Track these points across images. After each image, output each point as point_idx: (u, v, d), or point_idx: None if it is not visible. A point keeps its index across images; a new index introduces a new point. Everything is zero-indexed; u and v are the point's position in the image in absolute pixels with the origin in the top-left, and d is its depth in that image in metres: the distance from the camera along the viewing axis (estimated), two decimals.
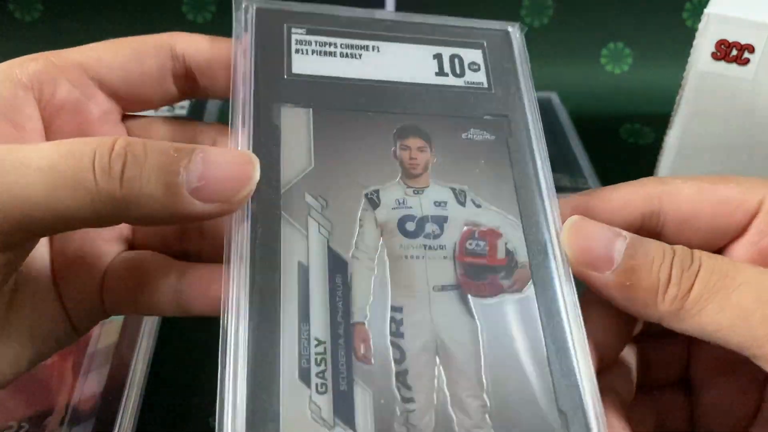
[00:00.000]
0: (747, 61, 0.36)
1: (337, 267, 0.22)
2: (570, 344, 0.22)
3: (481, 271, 0.23)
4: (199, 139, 0.27)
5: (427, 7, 0.56)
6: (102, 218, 0.20)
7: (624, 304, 0.22)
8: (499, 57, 0.28)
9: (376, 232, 0.23)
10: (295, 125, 0.24)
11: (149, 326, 0.35)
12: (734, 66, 0.37)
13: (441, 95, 0.26)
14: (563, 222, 0.24)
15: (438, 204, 0.24)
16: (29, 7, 0.55)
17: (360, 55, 0.26)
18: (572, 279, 0.23)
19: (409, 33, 0.28)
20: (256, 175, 0.21)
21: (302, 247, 0.22)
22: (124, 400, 0.31)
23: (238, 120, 0.23)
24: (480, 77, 0.27)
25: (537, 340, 0.22)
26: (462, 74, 0.27)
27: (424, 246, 0.23)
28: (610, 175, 0.45)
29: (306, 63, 0.26)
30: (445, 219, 0.24)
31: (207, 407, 0.33)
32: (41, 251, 0.24)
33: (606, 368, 0.25)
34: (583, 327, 0.23)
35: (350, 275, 0.22)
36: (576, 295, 0.23)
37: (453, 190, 0.24)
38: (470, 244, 0.24)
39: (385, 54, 0.27)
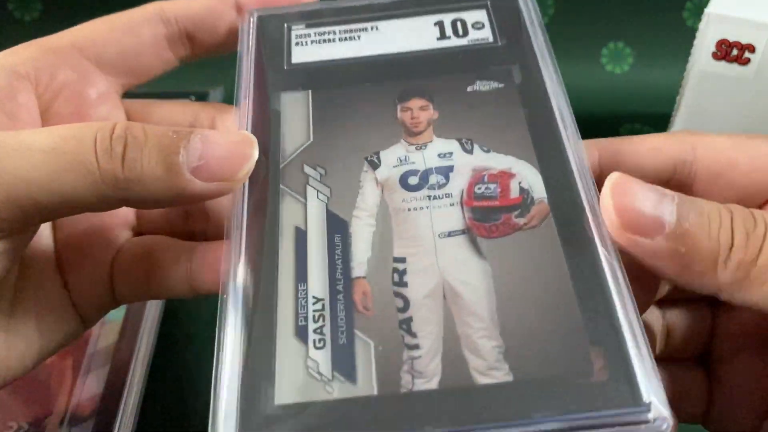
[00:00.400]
0: (747, 61, 0.36)
1: (336, 227, 0.22)
2: (602, 272, 0.20)
3: (493, 213, 0.22)
4: (199, 119, 0.27)
5: None
6: (105, 200, 0.20)
7: (676, 274, 0.20)
8: (505, 12, 0.27)
9: (377, 190, 0.23)
10: (295, 107, 0.25)
11: (149, 326, 0.35)
12: (735, 66, 0.37)
13: (443, 57, 0.26)
14: (590, 161, 0.22)
15: (442, 156, 0.24)
16: (29, 7, 0.55)
17: (359, 36, 0.27)
18: (599, 210, 0.21)
19: (410, 8, 0.28)
20: (255, 153, 0.22)
21: (300, 213, 0.22)
22: (123, 400, 0.31)
23: (240, 110, 0.24)
24: (485, 33, 0.27)
25: (561, 274, 0.20)
26: (465, 34, 0.27)
27: (428, 197, 0.23)
28: None
29: (305, 52, 0.26)
30: (450, 168, 0.23)
31: (207, 407, 0.33)
32: (45, 243, 0.24)
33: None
34: (617, 254, 0.20)
35: (350, 234, 0.22)
36: (605, 226, 0.21)
37: (459, 140, 0.24)
38: (479, 189, 0.23)
39: (385, 31, 0.27)
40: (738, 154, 0.23)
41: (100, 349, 0.33)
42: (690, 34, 0.38)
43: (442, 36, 0.27)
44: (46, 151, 0.19)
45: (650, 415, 0.17)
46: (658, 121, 0.52)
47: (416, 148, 0.24)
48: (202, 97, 0.49)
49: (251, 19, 0.27)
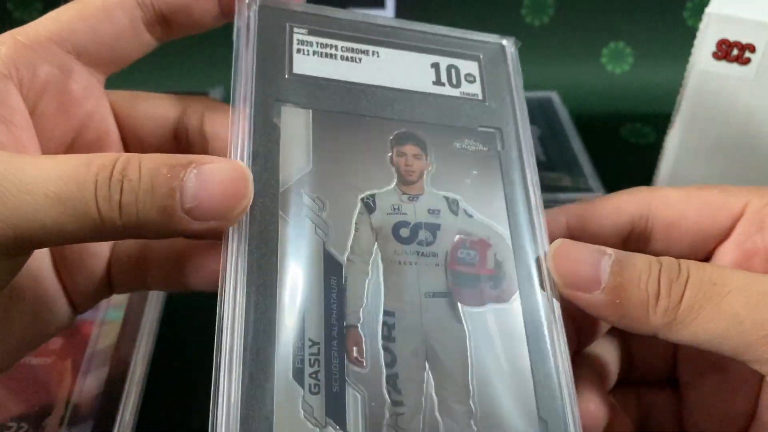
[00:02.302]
0: (748, 61, 0.36)
1: (333, 269, 0.22)
2: (551, 355, 0.23)
3: (471, 280, 0.23)
4: (187, 115, 0.27)
5: (427, 8, 0.56)
6: (104, 238, 0.21)
7: (616, 321, 0.23)
8: (494, 70, 0.28)
9: (372, 235, 0.23)
10: (295, 126, 0.24)
11: (149, 326, 0.35)
12: (735, 66, 0.37)
13: (437, 104, 0.27)
14: (551, 240, 0.24)
15: (431, 212, 0.24)
16: (28, 6, 0.55)
17: (360, 59, 0.27)
18: (557, 292, 0.24)
19: (409, 40, 0.28)
20: (251, 191, 0.21)
21: (299, 247, 0.22)
22: (123, 400, 0.31)
23: (238, 116, 0.23)
24: (475, 89, 0.28)
25: (521, 350, 0.23)
26: (458, 85, 0.27)
27: (417, 252, 0.23)
28: (610, 175, 0.45)
29: (307, 63, 0.26)
30: (438, 227, 0.24)
31: (207, 407, 0.33)
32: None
33: (586, 345, 0.26)
34: (566, 339, 0.23)
35: (345, 278, 0.22)
36: (560, 309, 0.24)
37: (446, 198, 0.25)
38: (461, 253, 0.24)
39: (385, 59, 0.27)
40: (687, 207, 0.25)
41: (99, 349, 0.33)
42: (690, 33, 0.38)
43: (438, 81, 0.27)
44: (50, 197, 0.19)
45: None
46: (659, 120, 0.52)
47: (409, 199, 0.25)
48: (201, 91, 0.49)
49: (252, 8, 0.26)
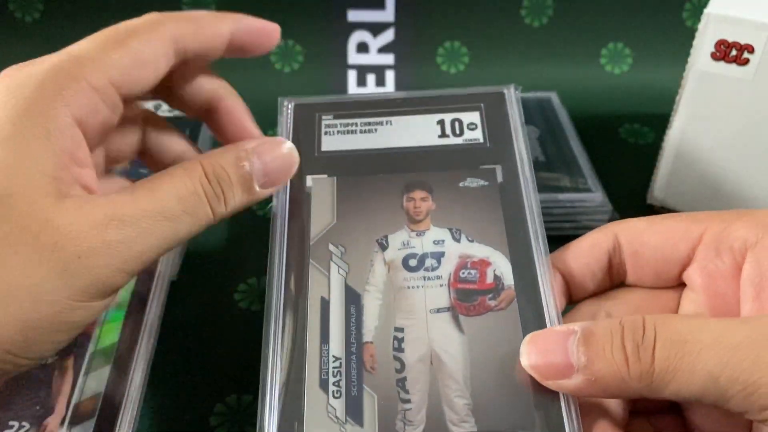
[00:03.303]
0: (746, 61, 0.36)
1: (352, 299, 0.28)
2: None
3: (472, 294, 0.28)
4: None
5: (426, 8, 0.56)
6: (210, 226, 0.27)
7: (606, 396, 0.23)
8: (495, 115, 0.33)
9: (384, 269, 0.29)
10: (323, 190, 0.31)
11: (150, 326, 0.35)
12: (734, 66, 0.37)
13: (443, 153, 0.31)
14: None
15: (437, 242, 0.29)
16: (30, 7, 0.55)
17: (376, 129, 0.33)
18: (554, 298, 0.27)
19: (418, 106, 0.33)
20: (297, 162, 0.29)
21: (324, 285, 0.28)
22: (124, 400, 0.31)
23: (279, 193, 0.30)
24: (477, 134, 0.32)
25: (517, 348, 0.25)
26: (461, 134, 0.32)
27: (424, 278, 0.28)
28: (609, 175, 0.45)
29: (332, 141, 0.32)
30: (442, 254, 0.29)
31: (207, 407, 0.33)
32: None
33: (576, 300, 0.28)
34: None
35: (362, 305, 0.28)
36: (557, 310, 0.26)
37: (450, 230, 0.29)
38: (463, 273, 0.28)
39: (396, 125, 0.33)
40: (650, 236, 0.27)
41: (100, 349, 0.33)
42: (689, 34, 0.38)
43: (443, 134, 0.32)
44: (178, 215, 0.25)
45: None
46: (658, 121, 0.52)
47: (416, 235, 0.29)
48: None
49: (288, 106, 0.33)
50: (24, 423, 0.30)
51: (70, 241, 0.23)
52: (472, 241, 0.29)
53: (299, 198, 0.30)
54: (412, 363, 0.26)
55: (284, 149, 0.29)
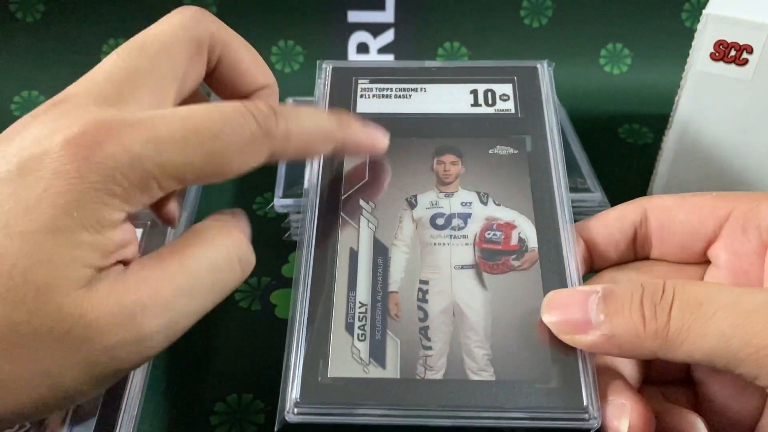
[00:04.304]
0: (745, 62, 0.36)
1: (380, 251, 0.29)
2: None
3: (496, 254, 0.29)
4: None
5: (426, 9, 0.56)
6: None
7: (618, 353, 0.23)
8: (527, 88, 0.34)
9: (412, 226, 0.30)
10: None
11: None
12: (733, 66, 0.37)
13: (474, 121, 0.33)
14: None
15: (464, 204, 0.30)
16: (31, 8, 0.55)
17: (410, 95, 0.34)
18: (576, 263, 0.28)
19: (452, 75, 0.35)
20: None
21: (354, 237, 0.29)
22: (125, 399, 0.31)
23: None
24: (509, 105, 0.33)
25: (538, 307, 0.26)
26: (494, 104, 0.33)
27: (450, 236, 0.29)
28: (609, 175, 0.45)
29: (368, 104, 0.33)
30: (469, 215, 0.30)
31: (207, 407, 0.33)
32: None
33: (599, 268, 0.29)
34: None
35: (390, 258, 0.29)
36: (578, 274, 0.27)
37: (478, 193, 0.30)
38: (488, 234, 0.29)
39: (430, 93, 0.34)
40: (678, 211, 0.27)
41: None
42: (688, 34, 0.39)
43: (475, 103, 0.33)
44: (209, 289, 0.25)
45: (586, 415, 0.24)
46: (656, 121, 0.52)
47: (445, 196, 0.30)
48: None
49: (327, 69, 0.35)
50: (25, 422, 0.30)
51: (99, 335, 0.22)
52: (498, 204, 0.30)
53: (331, 158, 0.31)
54: (435, 313, 0.27)
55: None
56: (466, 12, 0.57)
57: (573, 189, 0.42)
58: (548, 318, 0.25)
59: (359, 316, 0.27)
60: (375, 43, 0.57)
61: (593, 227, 0.29)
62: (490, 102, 0.33)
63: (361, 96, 0.34)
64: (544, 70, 0.35)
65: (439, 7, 0.56)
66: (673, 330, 0.22)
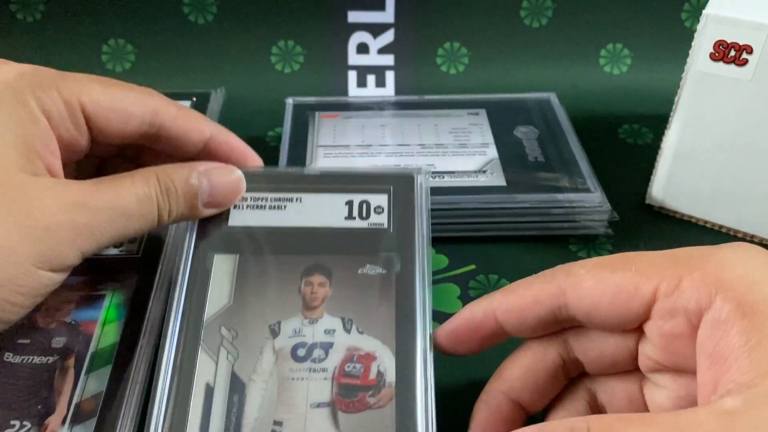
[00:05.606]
0: (745, 62, 0.36)
1: (237, 388, 0.28)
2: None
3: (353, 390, 0.28)
4: (160, 114, 0.32)
5: (426, 9, 0.56)
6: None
7: None
8: (402, 199, 0.33)
9: (272, 358, 0.29)
10: (223, 270, 0.31)
11: (150, 326, 0.35)
12: (732, 67, 0.37)
13: (346, 236, 0.32)
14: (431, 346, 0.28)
15: (327, 332, 0.29)
16: (31, 8, 0.55)
17: (285, 207, 0.33)
18: (432, 398, 0.27)
19: (330, 183, 0.33)
20: (244, 187, 0.33)
21: (212, 372, 0.28)
22: (126, 399, 0.31)
23: (180, 266, 0.31)
24: (382, 219, 0.32)
25: None
26: (367, 217, 0.32)
27: (309, 369, 0.28)
28: (608, 176, 0.45)
29: (241, 216, 0.32)
30: (331, 345, 0.29)
31: None
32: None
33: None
34: None
35: (246, 395, 0.28)
36: (433, 412, 0.27)
37: (342, 319, 0.30)
38: (348, 367, 0.28)
39: (306, 203, 0.33)
40: (601, 297, 0.25)
41: (101, 348, 0.33)
42: (688, 35, 0.39)
43: (350, 216, 0.32)
44: (134, 214, 0.29)
45: None
46: (657, 121, 0.52)
47: (309, 322, 0.29)
48: (204, 98, 0.49)
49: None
50: (25, 422, 0.30)
51: (41, 213, 0.26)
52: (362, 332, 0.29)
53: (199, 276, 0.31)
54: None
55: (233, 177, 0.32)
56: (466, 12, 0.56)
57: (573, 189, 0.42)
58: None
59: None
60: (375, 44, 0.57)
61: (513, 311, 0.27)
62: (364, 215, 0.32)
63: (235, 207, 0.32)
64: (421, 179, 0.33)
65: (439, 7, 0.56)
66: None
